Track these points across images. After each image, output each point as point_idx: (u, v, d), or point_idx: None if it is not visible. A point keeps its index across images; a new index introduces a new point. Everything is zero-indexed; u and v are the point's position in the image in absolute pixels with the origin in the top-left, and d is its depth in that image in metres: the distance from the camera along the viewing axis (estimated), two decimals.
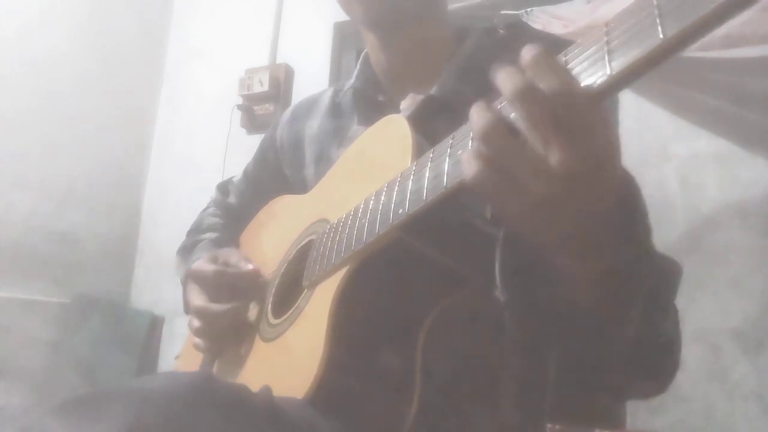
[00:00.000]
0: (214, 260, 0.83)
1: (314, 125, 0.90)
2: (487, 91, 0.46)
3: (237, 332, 0.80)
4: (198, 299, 0.81)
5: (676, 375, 0.57)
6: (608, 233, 0.45)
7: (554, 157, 0.39)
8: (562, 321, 0.50)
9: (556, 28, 1.76)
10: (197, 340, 0.82)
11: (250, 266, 0.81)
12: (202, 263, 0.82)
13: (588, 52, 0.39)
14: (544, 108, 0.39)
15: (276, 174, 0.97)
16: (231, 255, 0.85)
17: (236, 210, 1.05)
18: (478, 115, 0.42)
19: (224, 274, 0.80)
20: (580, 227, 0.44)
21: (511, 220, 0.46)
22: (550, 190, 0.40)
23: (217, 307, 0.79)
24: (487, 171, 0.41)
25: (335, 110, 0.89)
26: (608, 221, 0.44)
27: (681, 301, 0.57)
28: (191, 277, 0.84)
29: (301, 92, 2.32)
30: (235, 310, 0.78)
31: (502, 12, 1.91)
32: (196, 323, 0.81)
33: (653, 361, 0.55)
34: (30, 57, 2.42)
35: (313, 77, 2.36)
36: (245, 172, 1.06)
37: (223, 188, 1.09)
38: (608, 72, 0.36)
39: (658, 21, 0.33)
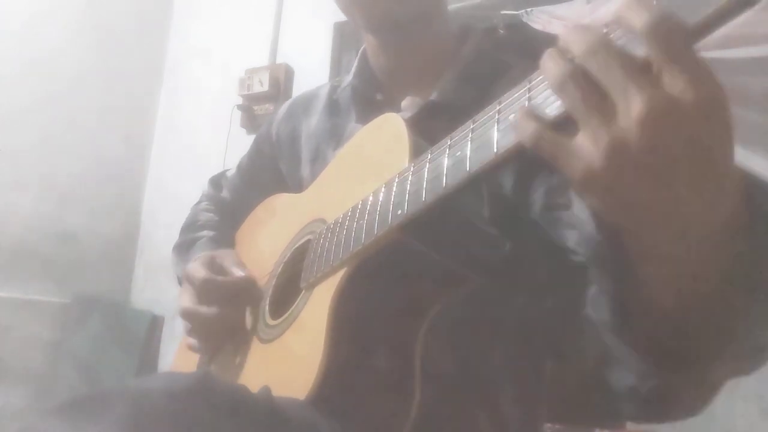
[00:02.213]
0: (208, 263, 0.82)
1: (311, 123, 0.89)
2: (488, 97, 0.45)
3: (231, 334, 0.79)
4: (187, 300, 0.79)
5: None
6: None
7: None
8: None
9: (556, 28, 1.75)
10: (190, 341, 0.81)
11: (242, 273, 0.79)
12: (196, 266, 0.81)
13: None
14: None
15: (271, 168, 0.96)
16: (225, 258, 0.83)
17: (230, 205, 1.03)
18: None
19: (213, 281, 0.78)
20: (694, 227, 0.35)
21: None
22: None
23: (204, 309, 0.77)
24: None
25: (332, 108, 0.88)
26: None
27: None
28: (185, 278, 0.83)
29: (301, 92, 2.32)
30: (223, 315, 0.77)
31: (502, 12, 1.91)
32: (186, 324, 0.80)
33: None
34: (30, 56, 2.42)
35: (313, 77, 2.36)
36: (239, 167, 1.04)
37: (216, 182, 1.08)
38: None
39: None
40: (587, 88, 0.34)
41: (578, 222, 0.53)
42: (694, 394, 0.48)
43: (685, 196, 0.34)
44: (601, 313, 0.48)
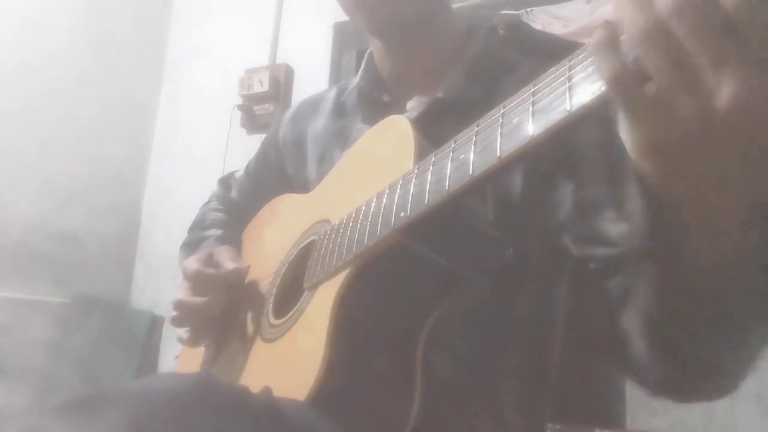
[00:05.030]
0: (205, 259, 0.83)
1: (317, 125, 0.90)
2: (494, 94, 0.46)
3: (219, 326, 0.80)
4: (180, 293, 0.81)
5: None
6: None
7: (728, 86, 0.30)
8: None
9: (556, 28, 1.76)
10: (178, 332, 0.83)
11: (234, 265, 0.81)
12: (191, 260, 0.83)
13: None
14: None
15: (278, 173, 0.96)
16: (222, 254, 0.85)
17: (238, 205, 1.04)
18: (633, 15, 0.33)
19: (203, 272, 0.80)
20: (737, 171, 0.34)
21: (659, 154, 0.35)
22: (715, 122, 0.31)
23: (191, 300, 0.79)
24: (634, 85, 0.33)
25: (339, 110, 0.88)
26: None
27: None
28: (182, 273, 0.84)
29: (301, 92, 2.32)
30: (210, 305, 0.79)
31: (502, 12, 1.91)
32: (173, 315, 0.81)
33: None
34: (30, 56, 2.42)
35: (313, 77, 2.36)
36: (247, 169, 1.05)
37: (225, 183, 1.09)
38: None
39: None
40: (674, 45, 0.31)
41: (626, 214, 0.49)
42: (733, 361, 0.47)
43: (740, 174, 0.34)
44: (642, 296, 0.48)
